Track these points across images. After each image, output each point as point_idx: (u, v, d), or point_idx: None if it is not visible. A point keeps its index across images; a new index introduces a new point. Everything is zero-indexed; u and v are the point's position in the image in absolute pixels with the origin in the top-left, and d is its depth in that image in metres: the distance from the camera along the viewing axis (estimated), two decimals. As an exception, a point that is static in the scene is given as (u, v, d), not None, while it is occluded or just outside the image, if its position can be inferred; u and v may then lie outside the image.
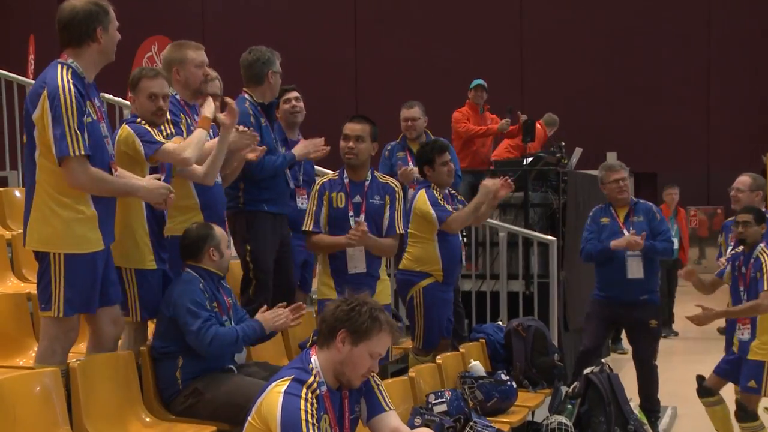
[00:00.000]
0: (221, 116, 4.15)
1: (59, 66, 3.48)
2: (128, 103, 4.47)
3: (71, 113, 3.38)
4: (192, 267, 4.06)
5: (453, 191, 5.67)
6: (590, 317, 6.07)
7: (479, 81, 8.57)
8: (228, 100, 4.20)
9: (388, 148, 6.61)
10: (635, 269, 5.84)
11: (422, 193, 5.41)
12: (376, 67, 14.21)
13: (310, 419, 2.92)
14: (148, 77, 4.04)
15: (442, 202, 5.38)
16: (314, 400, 2.99)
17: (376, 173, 4.86)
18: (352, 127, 4.69)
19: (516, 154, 8.94)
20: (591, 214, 6.13)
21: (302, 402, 2.94)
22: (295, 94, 5.55)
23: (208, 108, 4.09)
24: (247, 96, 4.88)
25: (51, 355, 3.57)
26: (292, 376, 3.03)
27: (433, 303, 5.37)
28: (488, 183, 5.47)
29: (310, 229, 4.69)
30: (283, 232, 4.98)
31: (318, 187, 4.75)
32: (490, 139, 8.61)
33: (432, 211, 5.31)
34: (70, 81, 3.42)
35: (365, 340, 3.05)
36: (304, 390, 2.99)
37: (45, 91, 3.40)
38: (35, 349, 3.81)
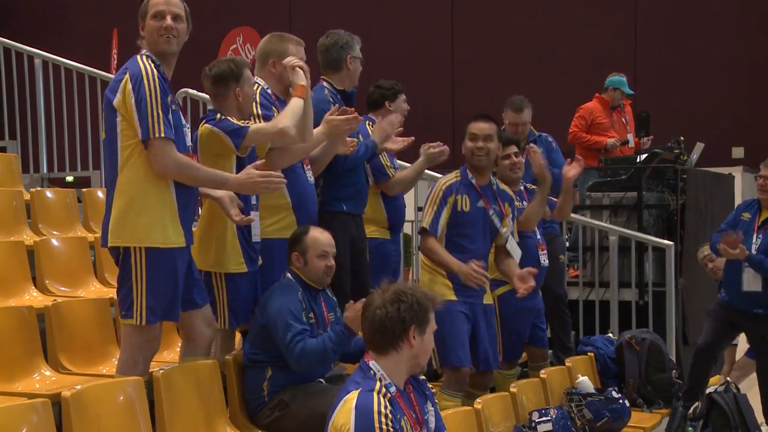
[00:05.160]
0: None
1: (138, 56, 3.68)
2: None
3: (155, 95, 3.55)
4: (291, 272, 4.09)
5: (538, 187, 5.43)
6: (709, 315, 6.05)
7: (621, 81, 8.29)
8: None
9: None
10: (751, 282, 5.74)
11: None
12: (474, 60, 14.14)
13: (385, 428, 2.99)
14: (248, 67, 4.14)
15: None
16: (388, 405, 3.06)
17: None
18: (480, 127, 4.79)
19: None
20: (739, 203, 6.18)
21: (375, 413, 3.02)
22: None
23: (298, 76, 4.10)
24: (325, 84, 4.80)
25: (133, 366, 3.67)
26: (359, 389, 3.11)
27: (511, 313, 5.17)
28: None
29: (428, 228, 4.70)
30: (356, 232, 4.86)
31: (444, 188, 4.75)
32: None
33: None
34: (152, 65, 3.62)
35: (428, 323, 3.21)
36: (375, 398, 3.06)
37: (127, 76, 3.59)
38: (118, 356, 3.93)
